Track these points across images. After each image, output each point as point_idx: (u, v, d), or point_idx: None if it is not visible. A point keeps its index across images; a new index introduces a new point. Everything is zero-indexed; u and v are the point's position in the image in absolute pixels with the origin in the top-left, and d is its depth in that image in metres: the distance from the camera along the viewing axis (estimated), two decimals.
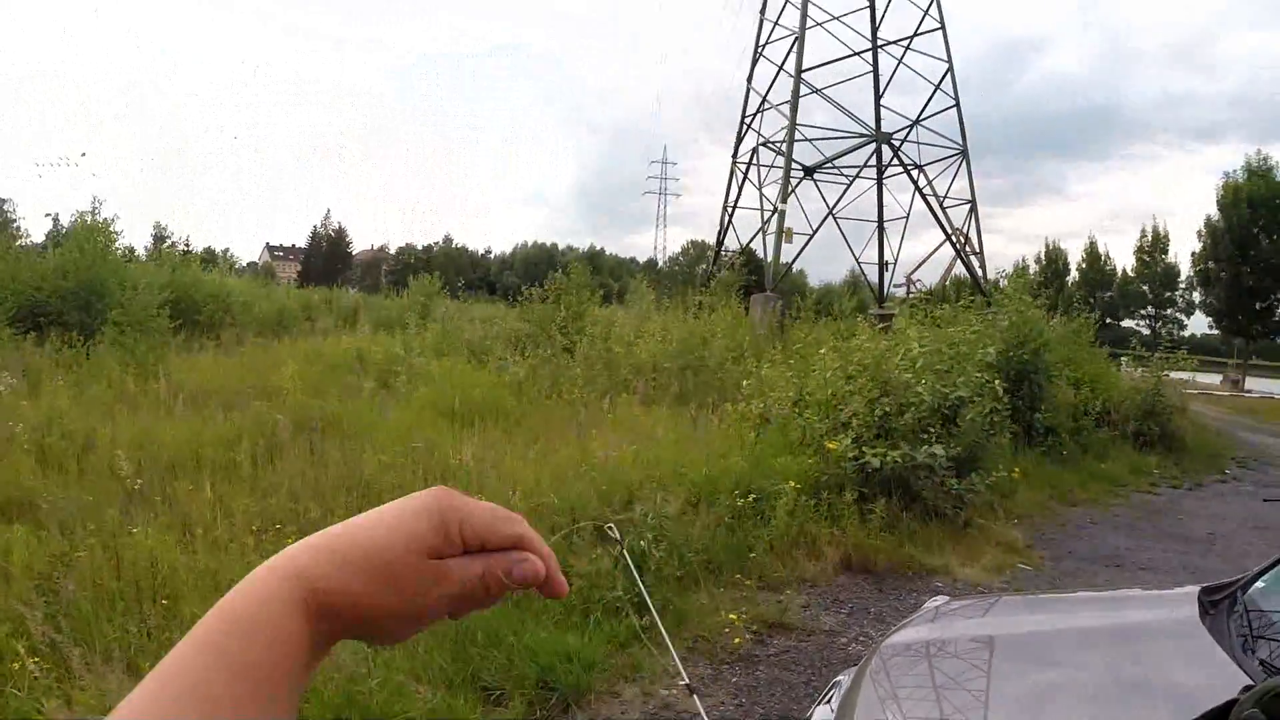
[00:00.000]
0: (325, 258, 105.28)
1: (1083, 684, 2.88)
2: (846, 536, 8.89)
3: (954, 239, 36.29)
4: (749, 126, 38.20)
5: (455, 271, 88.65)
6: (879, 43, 37.43)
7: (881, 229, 39.54)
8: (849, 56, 36.60)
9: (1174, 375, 20.20)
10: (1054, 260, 68.35)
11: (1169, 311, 63.38)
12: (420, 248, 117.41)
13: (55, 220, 30.00)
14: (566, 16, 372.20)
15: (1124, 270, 67.06)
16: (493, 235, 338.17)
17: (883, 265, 39.89)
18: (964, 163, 36.38)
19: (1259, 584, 3.22)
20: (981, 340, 14.34)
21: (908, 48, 36.79)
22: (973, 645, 3.43)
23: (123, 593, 5.68)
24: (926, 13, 36.20)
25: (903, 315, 18.90)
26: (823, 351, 12.27)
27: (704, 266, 48.24)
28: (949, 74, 36.11)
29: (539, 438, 10.84)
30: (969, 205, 36.70)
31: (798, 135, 34.26)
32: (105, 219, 23.14)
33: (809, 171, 36.57)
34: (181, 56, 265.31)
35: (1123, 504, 13.23)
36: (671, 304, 25.90)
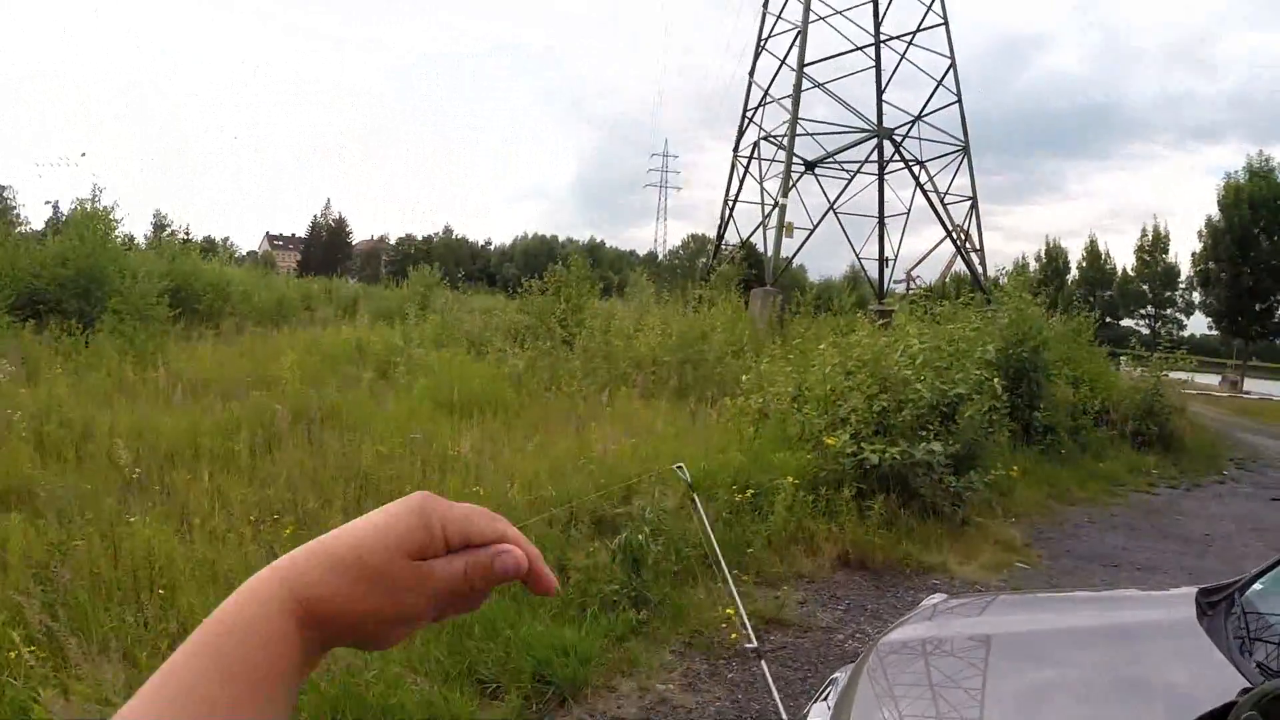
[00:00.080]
0: (325, 248, 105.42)
1: (1079, 683, 2.88)
2: (844, 533, 8.89)
3: (954, 236, 36.26)
4: (750, 120, 38.18)
5: (455, 263, 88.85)
6: (881, 38, 37.38)
7: (882, 225, 39.53)
8: (851, 51, 36.55)
9: (1173, 375, 20.19)
10: (1054, 258, 68.37)
11: (1169, 311, 63.40)
12: (420, 238, 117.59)
13: (55, 208, 29.95)
14: (567, 12, 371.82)
15: (1124, 269, 67.12)
16: (493, 227, 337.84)
17: (883, 261, 39.88)
18: (965, 159, 36.34)
19: (1257, 586, 3.22)
20: (981, 338, 14.35)
21: (910, 43, 36.77)
22: (970, 644, 3.43)
23: (120, 582, 5.68)
24: (930, 8, 36.18)
25: (902, 311, 18.92)
26: (822, 347, 12.28)
27: (704, 260, 48.21)
28: (951, 70, 36.08)
29: (538, 430, 10.84)
30: (970, 202, 36.68)
31: (799, 130, 34.23)
32: (105, 207, 23.10)
33: (810, 166, 36.54)
34: (182, 55, 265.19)
35: (1121, 503, 13.23)
36: (671, 298, 25.90)
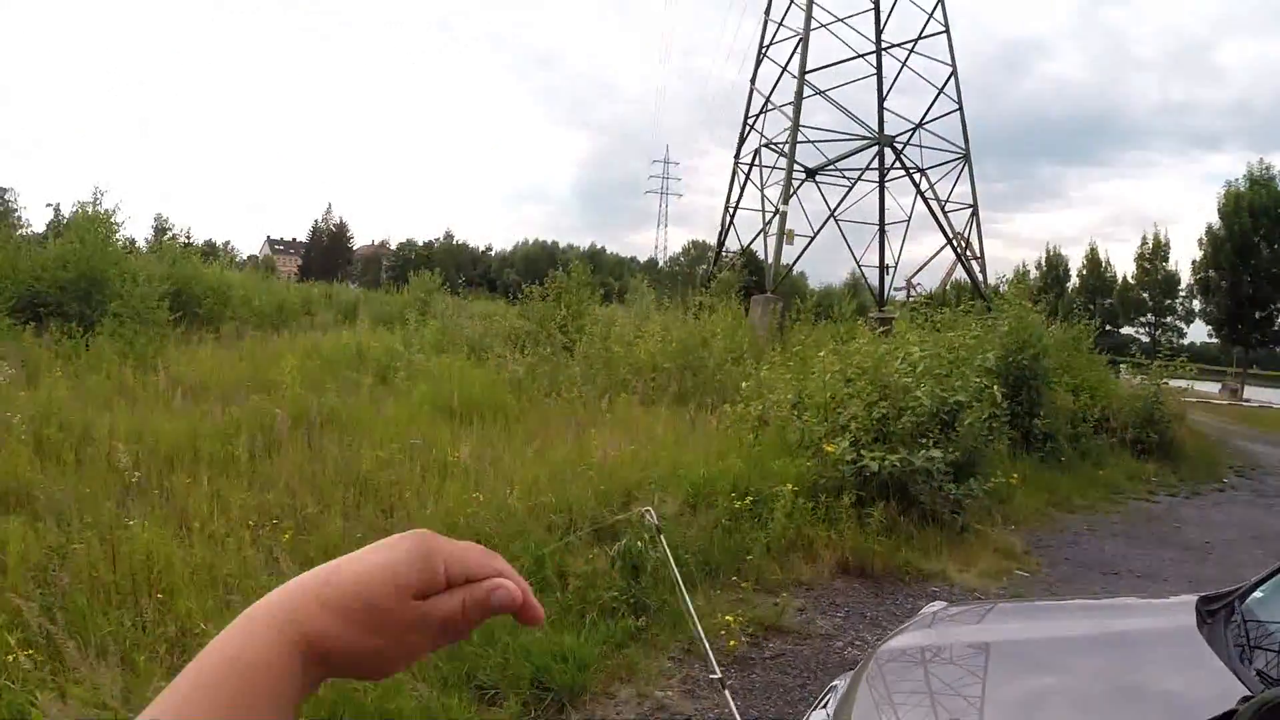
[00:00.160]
0: (326, 252, 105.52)
1: (1079, 692, 2.87)
2: (844, 540, 8.88)
3: (955, 243, 36.25)
4: (751, 127, 38.16)
5: (456, 268, 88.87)
6: (883, 45, 37.39)
7: (882, 232, 39.50)
8: (853, 59, 36.54)
9: (1173, 383, 20.19)
10: (1054, 266, 68.44)
11: (1169, 319, 63.36)
12: (421, 243, 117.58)
13: (56, 210, 29.91)
14: (570, 15, 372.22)
15: (1124, 277, 67.05)
16: (494, 232, 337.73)
17: (883, 268, 39.85)
18: (966, 167, 36.32)
19: (1257, 594, 3.21)
20: (981, 345, 14.34)
21: (911, 50, 36.73)
22: (969, 651, 3.43)
23: (118, 586, 5.68)
24: (931, 16, 36.18)
25: (903, 319, 18.91)
26: (822, 354, 12.27)
27: (704, 267, 48.20)
28: (952, 77, 36.08)
29: (537, 436, 10.83)
30: (970, 209, 36.66)
31: (800, 137, 34.22)
32: (106, 210, 23.11)
33: (811, 173, 36.52)
34: (179, 55, 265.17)
35: (1120, 511, 13.22)
36: (671, 304, 25.89)
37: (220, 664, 0.69)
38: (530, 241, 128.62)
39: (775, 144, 35.86)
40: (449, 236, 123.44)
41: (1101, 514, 12.88)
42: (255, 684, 0.68)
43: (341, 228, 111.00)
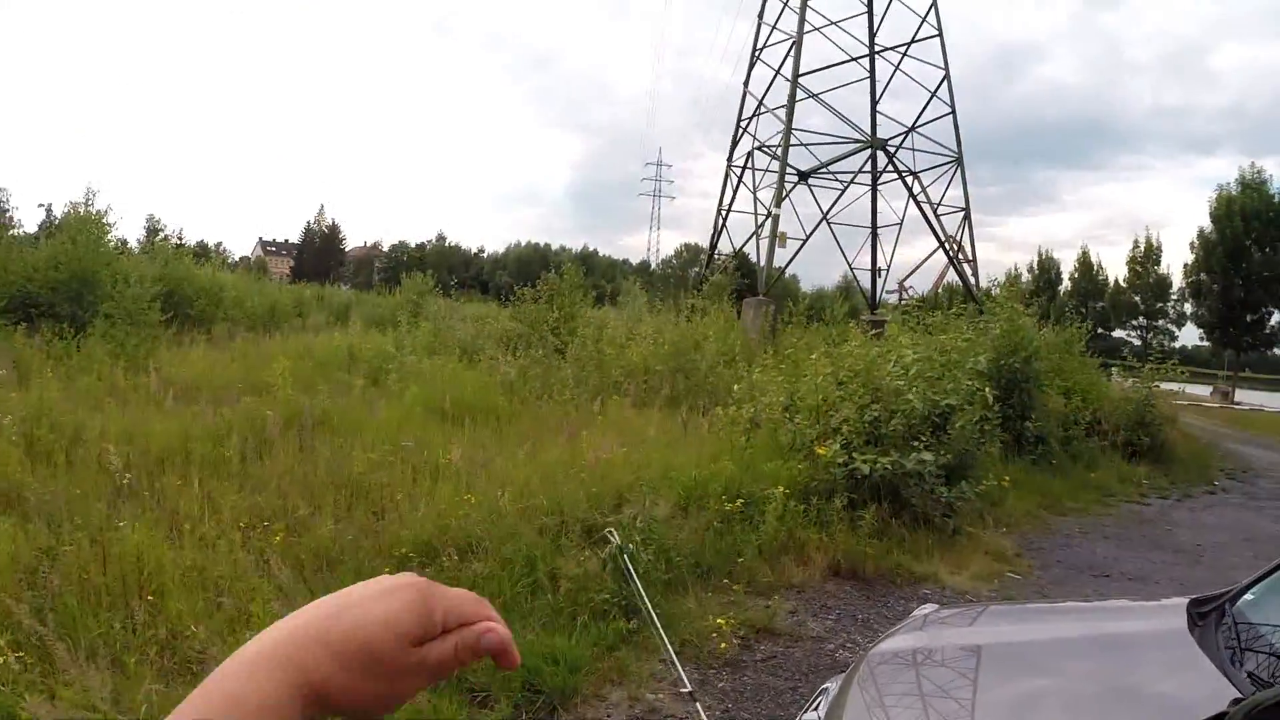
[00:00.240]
0: (318, 254, 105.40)
1: (1070, 694, 2.87)
2: (835, 542, 8.88)
3: (947, 246, 36.34)
4: (745, 130, 38.24)
5: (448, 270, 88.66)
6: (876, 49, 37.49)
7: (875, 235, 39.62)
8: (846, 62, 36.64)
9: (1164, 386, 20.23)
10: (1046, 269, 68.58)
11: (1160, 322, 63.47)
12: (413, 245, 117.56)
13: (48, 210, 29.88)
14: (564, 17, 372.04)
15: (1116, 280, 67.16)
16: (486, 234, 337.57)
17: (875, 271, 39.99)
18: (958, 170, 36.43)
19: (1248, 596, 3.22)
20: (973, 348, 14.35)
21: (904, 54, 36.86)
22: (960, 654, 3.43)
23: (109, 588, 5.66)
24: (924, 19, 36.28)
25: (895, 321, 18.93)
26: (814, 357, 12.28)
27: (697, 269, 48.29)
28: (945, 81, 36.19)
29: (529, 438, 10.82)
30: (963, 213, 36.76)
31: (793, 140, 34.29)
32: (98, 210, 23.03)
33: (804, 176, 36.61)
34: (176, 56, 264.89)
35: (1112, 514, 13.25)
36: (664, 307, 25.89)
37: (221, 704, 0.70)
38: (523, 243, 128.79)
39: (768, 147, 35.96)
40: (441, 238, 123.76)
41: (1093, 517, 12.90)
42: None
43: (334, 229, 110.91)
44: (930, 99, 36.21)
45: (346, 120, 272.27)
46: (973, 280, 36.06)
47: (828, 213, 37.05)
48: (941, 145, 36.51)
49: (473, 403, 12.80)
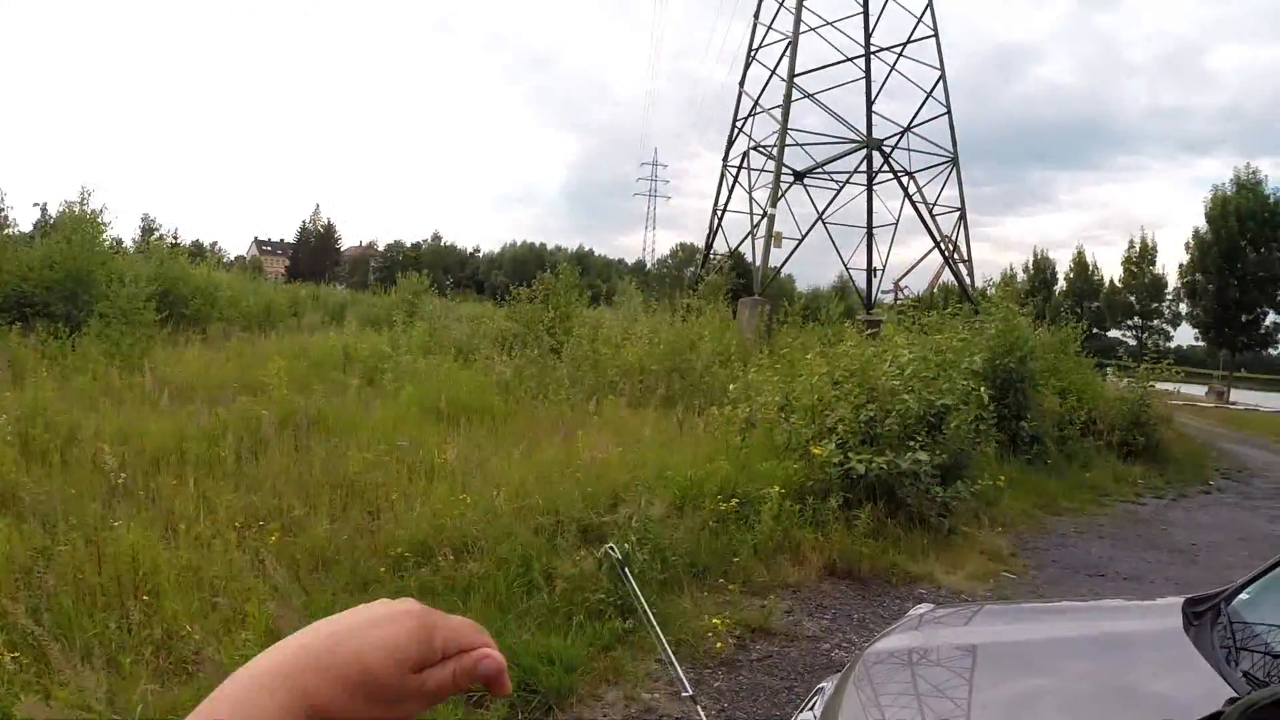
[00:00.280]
0: (313, 253, 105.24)
1: (1066, 693, 2.88)
2: (831, 542, 8.88)
3: (942, 246, 36.36)
4: (740, 130, 38.25)
5: (443, 269, 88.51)
6: (872, 49, 37.49)
7: (870, 235, 39.62)
8: (842, 62, 36.64)
9: (1160, 386, 20.25)
10: (1042, 269, 68.64)
11: (1155, 322, 63.49)
12: (409, 245, 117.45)
13: (43, 209, 29.77)
14: (560, 18, 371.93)
15: (1111, 280, 67.19)
16: (482, 234, 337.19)
17: (871, 271, 39.99)
18: (954, 170, 36.45)
19: (1243, 596, 3.22)
20: (968, 348, 14.37)
21: (900, 54, 36.85)
22: (956, 653, 3.43)
23: (104, 588, 5.66)
24: (920, 20, 36.28)
25: (890, 321, 18.95)
26: (809, 356, 12.28)
27: (692, 269, 48.27)
28: (941, 81, 36.20)
29: (525, 438, 10.81)
30: (958, 213, 36.77)
31: (789, 140, 34.29)
32: (93, 209, 23.00)
33: (799, 176, 36.61)
34: (172, 55, 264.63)
35: (1107, 514, 13.26)
36: (659, 306, 25.88)
37: None
38: (518, 243, 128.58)
39: (764, 147, 35.97)
40: (437, 238, 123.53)
41: (1088, 516, 12.91)
42: None
43: (329, 229, 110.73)
44: (926, 99, 36.26)
45: (342, 120, 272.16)
46: (968, 280, 36.09)
47: (823, 213, 37.09)
48: (937, 145, 36.57)
49: (468, 402, 12.80)
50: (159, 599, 5.63)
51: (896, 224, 38.48)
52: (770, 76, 36.14)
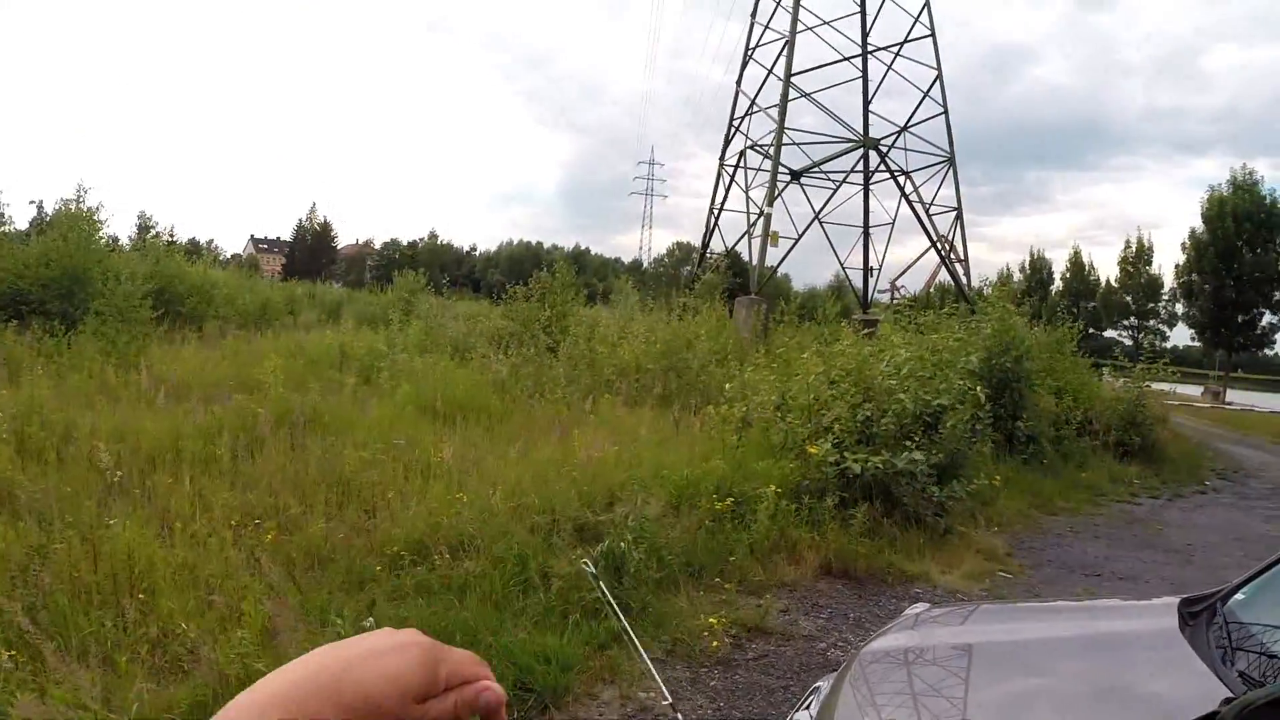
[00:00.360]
0: (310, 251, 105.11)
1: (1061, 693, 2.88)
2: (827, 541, 8.89)
3: (939, 246, 36.35)
4: (737, 129, 38.21)
5: (440, 268, 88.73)
6: (869, 48, 37.48)
7: (867, 234, 39.60)
8: (839, 61, 36.60)
9: (1155, 386, 20.28)
10: (1038, 269, 68.70)
11: (1151, 323, 63.50)
12: (405, 243, 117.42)
13: (39, 207, 29.71)
14: (558, 17, 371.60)
15: (1108, 280, 67.17)
16: (478, 232, 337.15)
17: (867, 271, 39.98)
18: (950, 170, 36.43)
19: (1239, 596, 3.22)
20: (964, 348, 14.39)
21: (897, 54, 36.82)
22: (952, 653, 3.43)
23: (100, 586, 5.66)
24: (917, 19, 36.27)
25: (887, 321, 18.97)
26: (806, 356, 12.29)
27: (689, 268, 48.27)
28: (938, 81, 36.18)
29: (521, 437, 10.81)
30: (954, 212, 36.77)
31: (785, 139, 34.25)
32: (89, 207, 22.98)
33: (796, 175, 36.59)
34: (168, 54, 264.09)
35: (1103, 513, 13.27)
36: (656, 305, 25.88)
37: None
38: (515, 242, 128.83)
39: (760, 146, 35.95)
40: (434, 236, 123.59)
41: (1084, 516, 12.92)
42: None
43: (326, 227, 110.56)
44: (923, 99, 36.22)
45: (339, 118, 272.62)
46: (964, 280, 36.11)
47: (820, 212, 37.03)
48: (934, 145, 36.54)
49: (464, 401, 12.80)
50: (155, 597, 5.63)
51: (893, 224, 38.41)
52: (767, 76, 36.14)
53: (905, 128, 36.48)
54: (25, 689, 4.41)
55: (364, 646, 0.78)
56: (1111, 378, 21.56)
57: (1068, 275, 68.68)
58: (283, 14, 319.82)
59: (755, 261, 33.20)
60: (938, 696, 3.12)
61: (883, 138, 36.53)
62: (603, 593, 2.70)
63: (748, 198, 35.89)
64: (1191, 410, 34.57)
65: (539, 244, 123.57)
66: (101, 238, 23.14)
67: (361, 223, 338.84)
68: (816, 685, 3.61)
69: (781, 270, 39.50)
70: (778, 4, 36.20)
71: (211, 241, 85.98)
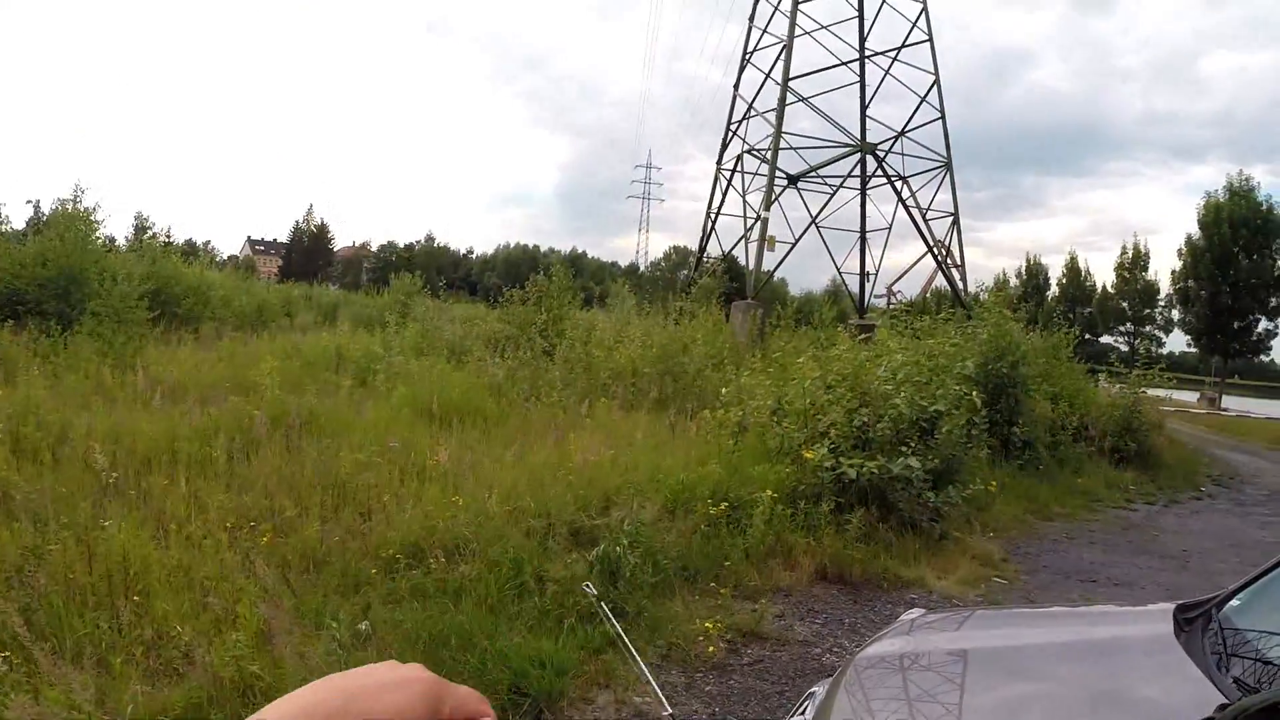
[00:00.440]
0: (306, 253, 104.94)
1: (1057, 699, 2.87)
2: (822, 546, 8.89)
3: (935, 251, 36.38)
4: (734, 133, 38.27)
5: (436, 271, 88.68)
6: (866, 53, 37.52)
7: (864, 239, 39.66)
8: (836, 66, 36.63)
9: (1151, 392, 20.29)
10: (1034, 274, 68.61)
11: (1148, 328, 63.54)
12: (402, 246, 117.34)
13: (36, 207, 29.74)
14: (556, 19, 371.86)
15: (1104, 286, 67.18)
16: (475, 235, 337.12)
17: (864, 275, 40.03)
18: (947, 175, 36.48)
19: (1234, 602, 3.22)
20: (960, 353, 14.40)
21: (895, 59, 36.90)
22: (947, 658, 3.43)
23: (94, 588, 5.64)
24: (915, 24, 36.33)
25: (883, 326, 18.97)
26: (802, 360, 12.29)
27: (686, 272, 48.33)
28: (935, 86, 36.23)
29: (517, 440, 10.80)
30: (951, 218, 36.80)
31: (783, 143, 34.27)
32: (86, 208, 22.96)
33: (793, 180, 36.58)
34: (166, 54, 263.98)
35: (1099, 519, 13.28)
36: (652, 309, 25.88)
37: None
38: (512, 245, 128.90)
39: (758, 150, 36.00)
40: (430, 239, 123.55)
41: (1080, 522, 12.93)
42: None
43: (322, 229, 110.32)
44: (920, 104, 36.28)
45: (336, 120, 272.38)
46: (961, 285, 36.16)
47: (816, 217, 37.05)
48: (931, 150, 36.59)
49: (460, 404, 12.79)
50: (149, 599, 5.62)
51: (890, 228, 38.46)
52: (765, 80, 36.19)
53: (902, 133, 36.54)
54: (20, 690, 4.40)
55: (369, 680, 0.78)
56: (1107, 383, 21.57)
57: (1064, 281, 68.67)
58: (281, 15, 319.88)
59: (752, 266, 33.23)
60: (933, 702, 3.11)
61: (880, 142, 36.59)
62: (605, 615, 2.70)
63: (745, 202, 35.98)
64: (1187, 416, 34.63)
65: (536, 247, 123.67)
66: (98, 238, 23.17)
67: (358, 225, 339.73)
68: (812, 691, 3.61)
69: (778, 275, 39.56)
70: (775, 8, 36.28)
71: (208, 243, 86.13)
